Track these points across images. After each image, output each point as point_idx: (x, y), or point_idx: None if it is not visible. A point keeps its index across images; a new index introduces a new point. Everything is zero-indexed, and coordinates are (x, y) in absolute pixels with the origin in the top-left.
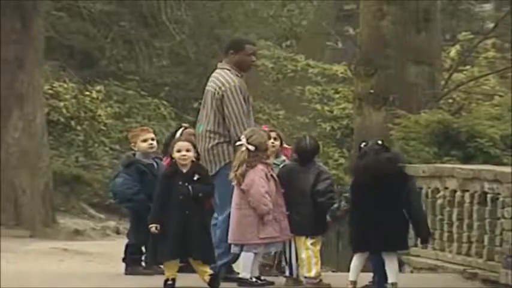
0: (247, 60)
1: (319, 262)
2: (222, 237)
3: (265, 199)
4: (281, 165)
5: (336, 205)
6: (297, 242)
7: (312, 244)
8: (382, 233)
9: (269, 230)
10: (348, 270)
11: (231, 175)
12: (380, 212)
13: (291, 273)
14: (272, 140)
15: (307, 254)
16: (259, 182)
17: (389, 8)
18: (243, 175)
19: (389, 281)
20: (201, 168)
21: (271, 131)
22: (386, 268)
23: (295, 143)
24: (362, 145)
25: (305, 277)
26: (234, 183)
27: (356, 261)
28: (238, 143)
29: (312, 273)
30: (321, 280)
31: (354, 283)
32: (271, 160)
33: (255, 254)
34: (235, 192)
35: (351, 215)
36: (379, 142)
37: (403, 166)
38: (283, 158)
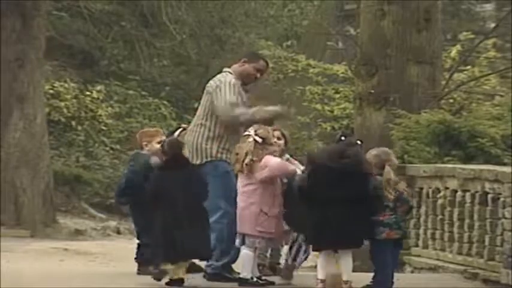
0: (252, 73)
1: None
2: (219, 238)
3: (283, 165)
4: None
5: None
6: None
7: None
8: (339, 230)
9: (267, 225)
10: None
11: (237, 166)
12: (337, 208)
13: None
14: (275, 140)
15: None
16: (271, 159)
17: (390, 8)
18: (250, 165)
19: (344, 278)
20: None
21: (274, 130)
22: (341, 265)
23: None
24: (342, 138)
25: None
26: (239, 173)
27: (322, 260)
28: (245, 133)
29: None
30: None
31: (323, 282)
32: None
33: (255, 249)
34: (240, 181)
35: (308, 210)
36: (358, 142)
37: (363, 166)
38: (287, 156)
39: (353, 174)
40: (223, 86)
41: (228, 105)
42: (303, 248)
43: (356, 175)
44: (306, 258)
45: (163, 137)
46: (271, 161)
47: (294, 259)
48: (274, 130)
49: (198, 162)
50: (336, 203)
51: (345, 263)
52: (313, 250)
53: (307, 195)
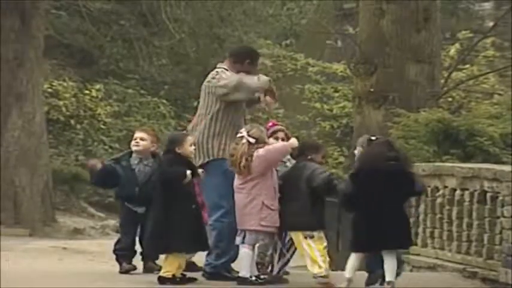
0: (253, 73)
1: (327, 260)
2: (218, 237)
3: (278, 147)
4: (287, 163)
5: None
6: (294, 240)
7: (315, 242)
8: (386, 232)
9: (270, 219)
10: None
11: (234, 168)
12: (383, 209)
13: (271, 270)
14: (280, 141)
15: (312, 252)
16: (260, 150)
17: (389, 7)
18: (247, 167)
19: (387, 279)
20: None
21: (278, 130)
22: (385, 266)
23: None
24: (372, 138)
25: (314, 276)
26: (236, 174)
27: (355, 260)
28: (238, 135)
29: (323, 271)
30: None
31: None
32: None
33: (253, 248)
34: (236, 181)
35: (354, 214)
36: (389, 140)
37: (410, 165)
38: (288, 156)
39: (402, 175)
40: (224, 75)
41: (230, 79)
42: (286, 257)
43: (405, 176)
44: (285, 266)
45: (140, 134)
46: (260, 152)
47: (272, 269)
48: (278, 131)
49: (200, 161)
50: (385, 205)
51: (389, 263)
52: (356, 251)
53: (353, 199)
